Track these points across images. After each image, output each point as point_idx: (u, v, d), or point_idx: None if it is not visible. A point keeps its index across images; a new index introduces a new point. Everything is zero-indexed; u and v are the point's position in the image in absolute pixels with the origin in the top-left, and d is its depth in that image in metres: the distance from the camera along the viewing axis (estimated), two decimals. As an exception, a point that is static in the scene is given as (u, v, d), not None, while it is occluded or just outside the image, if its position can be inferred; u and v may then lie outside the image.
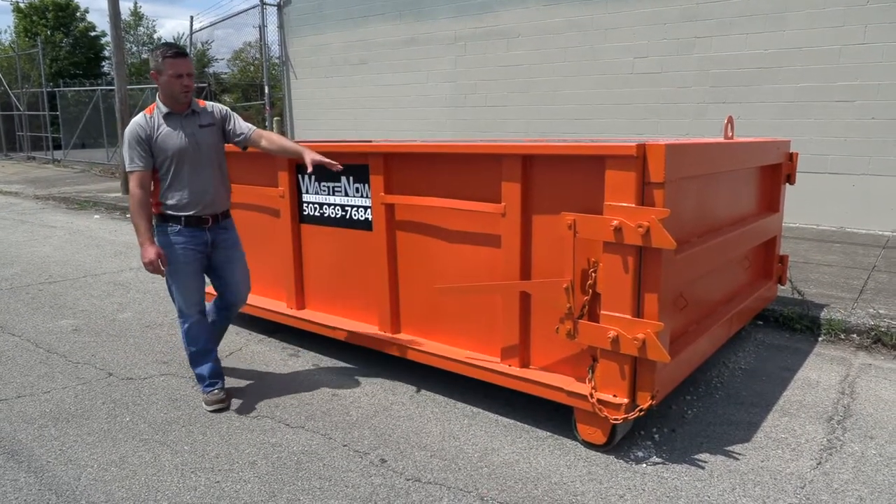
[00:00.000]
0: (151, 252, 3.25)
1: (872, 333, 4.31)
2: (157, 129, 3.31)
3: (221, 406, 3.48)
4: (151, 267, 3.26)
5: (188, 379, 3.89)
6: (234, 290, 3.71)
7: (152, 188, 3.37)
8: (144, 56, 34.09)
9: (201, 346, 3.57)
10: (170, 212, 3.40)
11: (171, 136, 3.32)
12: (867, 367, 4.00)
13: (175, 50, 3.29)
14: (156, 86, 3.36)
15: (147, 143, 3.28)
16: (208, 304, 3.73)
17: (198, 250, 3.45)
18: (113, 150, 17.03)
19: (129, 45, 35.40)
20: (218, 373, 3.59)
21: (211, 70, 30.85)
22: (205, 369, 3.56)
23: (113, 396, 3.67)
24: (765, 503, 2.60)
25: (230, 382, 3.84)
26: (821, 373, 3.91)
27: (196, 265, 3.49)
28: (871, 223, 7.58)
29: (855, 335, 4.38)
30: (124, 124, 12.38)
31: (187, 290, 3.49)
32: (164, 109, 3.33)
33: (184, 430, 3.27)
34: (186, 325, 3.55)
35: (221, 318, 3.83)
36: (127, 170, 3.31)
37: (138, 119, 3.32)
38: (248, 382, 3.86)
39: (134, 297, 5.73)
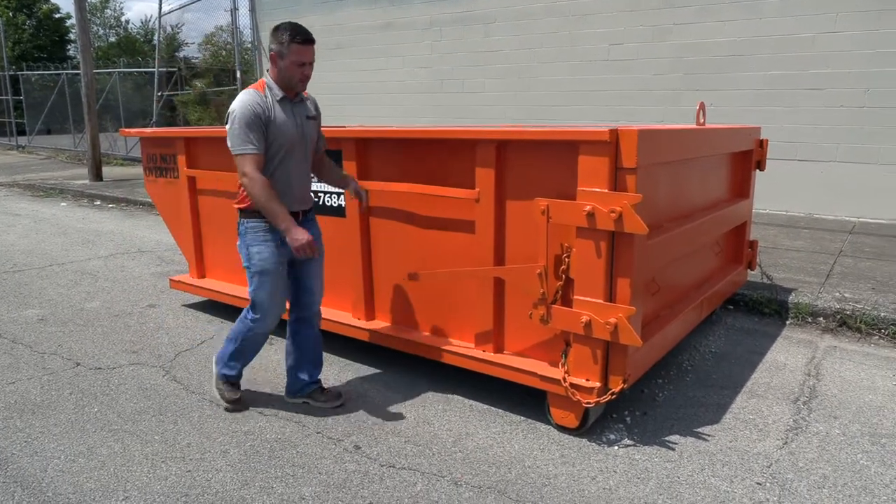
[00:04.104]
0: (303, 232, 2.88)
1: (838, 317, 4.41)
2: (274, 110, 2.95)
3: (239, 406, 3.31)
4: (309, 248, 2.87)
5: (158, 368, 3.85)
6: (310, 291, 3.27)
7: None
8: (112, 39, 33.30)
9: (250, 354, 3.29)
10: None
11: (287, 123, 2.98)
12: (832, 349, 4.11)
13: (304, 36, 2.91)
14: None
15: (265, 125, 2.91)
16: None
17: (287, 251, 3.03)
18: (80, 136, 16.65)
19: (95, 28, 34.52)
20: (241, 375, 3.38)
21: (181, 54, 30.23)
22: (237, 369, 3.31)
23: (81, 387, 3.61)
24: (732, 482, 2.66)
25: (202, 372, 3.80)
26: (788, 355, 4.00)
27: (286, 268, 3.13)
28: (839, 209, 7.75)
29: (821, 319, 4.48)
30: (91, 109, 12.14)
31: (276, 293, 3.09)
32: (279, 93, 2.97)
33: (154, 419, 3.23)
34: (256, 329, 3.14)
35: (305, 329, 3.32)
36: (239, 152, 2.88)
37: (253, 96, 2.91)
38: (220, 371, 3.82)
39: (102, 286, 5.63)
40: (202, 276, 4.89)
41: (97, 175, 12.30)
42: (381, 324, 3.77)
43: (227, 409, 3.29)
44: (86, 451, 2.93)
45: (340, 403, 3.34)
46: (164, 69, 18.08)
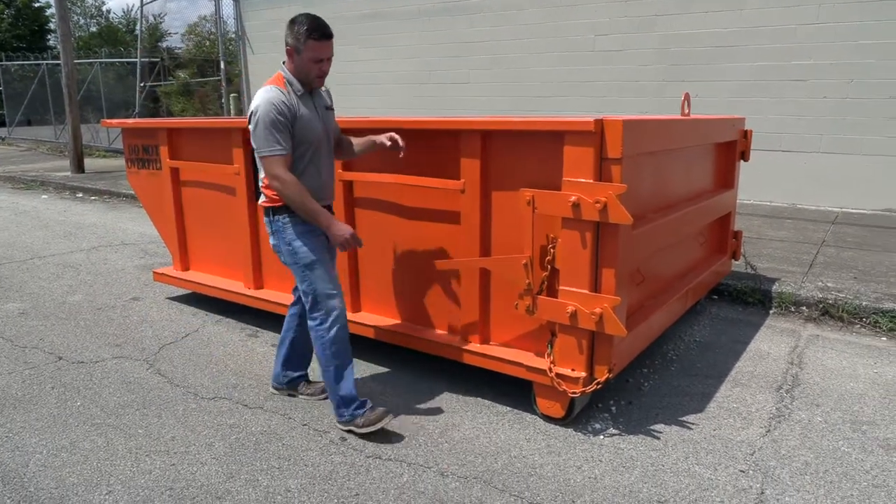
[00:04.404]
0: (346, 226, 2.85)
1: (820, 306, 4.46)
2: (299, 108, 2.83)
3: (389, 418, 2.97)
4: (353, 239, 2.84)
5: (142, 362, 3.81)
6: None
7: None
8: (93, 29, 32.80)
9: (347, 358, 2.96)
10: None
11: (312, 120, 2.89)
12: (815, 338, 4.15)
13: (322, 31, 2.80)
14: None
15: (291, 124, 2.80)
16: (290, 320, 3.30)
17: (325, 240, 2.97)
18: (61, 128, 16.42)
19: (75, 18, 33.99)
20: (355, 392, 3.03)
21: (164, 45, 29.86)
22: (352, 386, 2.97)
23: (63, 381, 3.57)
24: (716, 470, 2.69)
25: (186, 365, 3.78)
26: (771, 344, 4.04)
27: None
28: (822, 200, 7.83)
29: (804, 308, 4.53)
30: (72, 100, 11.96)
31: (332, 277, 2.96)
32: (300, 88, 2.86)
33: (138, 413, 3.20)
34: (333, 325, 2.90)
35: (305, 323, 3.21)
36: (267, 154, 2.76)
37: (278, 94, 2.78)
38: (205, 364, 3.80)
39: (84, 279, 5.57)
40: (186, 268, 4.85)
41: (79, 167, 12.14)
42: (366, 316, 3.75)
43: (384, 424, 2.92)
44: (68, 446, 2.91)
45: (326, 396, 3.33)
46: (147, 59, 17.84)
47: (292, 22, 2.83)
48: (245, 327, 4.38)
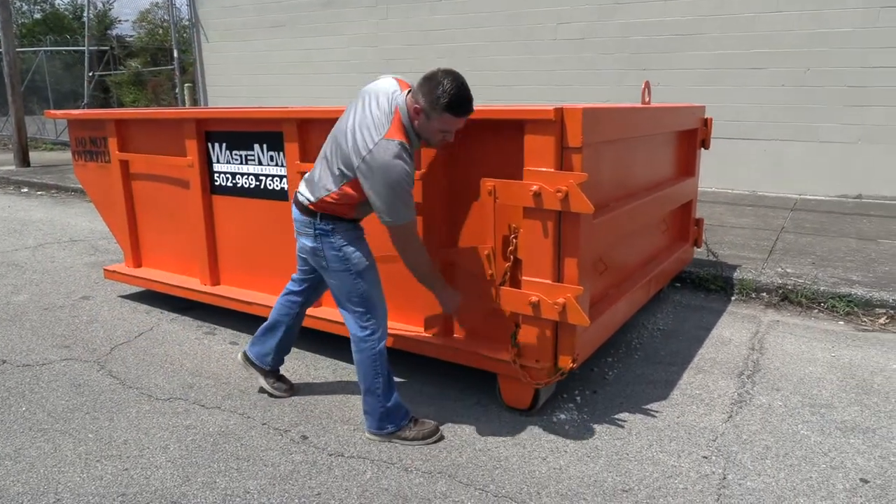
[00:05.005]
0: (456, 292, 2.92)
1: (780, 291, 4.57)
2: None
3: (440, 433, 2.91)
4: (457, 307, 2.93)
5: (92, 363, 3.70)
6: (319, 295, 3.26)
7: (343, 198, 2.69)
8: (37, 15, 31.64)
9: (389, 371, 2.88)
10: (355, 216, 2.81)
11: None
12: (775, 323, 4.26)
13: (465, 109, 2.56)
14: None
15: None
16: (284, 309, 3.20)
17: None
18: (4, 120, 15.80)
19: (18, 3, 32.66)
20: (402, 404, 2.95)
21: (114, 32, 28.98)
22: (399, 397, 2.91)
23: (7, 385, 3.44)
24: (680, 457, 2.73)
25: (140, 365, 3.68)
26: (733, 331, 4.13)
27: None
28: (781, 187, 8.02)
29: (764, 294, 4.64)
30: (14, 90, 11.52)
31: (382, 296, 2.87)
32: (417, 143, 2.66)
33: (88, 416, 3.10)
34: (381, 344, 2.83)
35: (303, 312, 3.27)
36: (403, 223, 2.60)
37: (403, 153, 2.51)
38: (160, 364, 3.70)
39: (31, 279, 5.37)
40: (139, 265, 4.72)
41: (24, 160, 11.72)
42: (328, 309, 3.70)
43: (437, 441, 2.87)
44: (12, 454, 2.80)
45: (290, 392, 3.30)
46: (96, 48, 17.31)
47: (430, 79, 2.51)
48: (201, 325, 4.29)
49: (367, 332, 2.81)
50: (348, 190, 2.67)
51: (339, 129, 2.72)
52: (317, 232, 2.77)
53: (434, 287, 2.88)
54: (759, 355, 3.75)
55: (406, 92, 2.63)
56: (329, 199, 2.71)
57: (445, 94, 2.48)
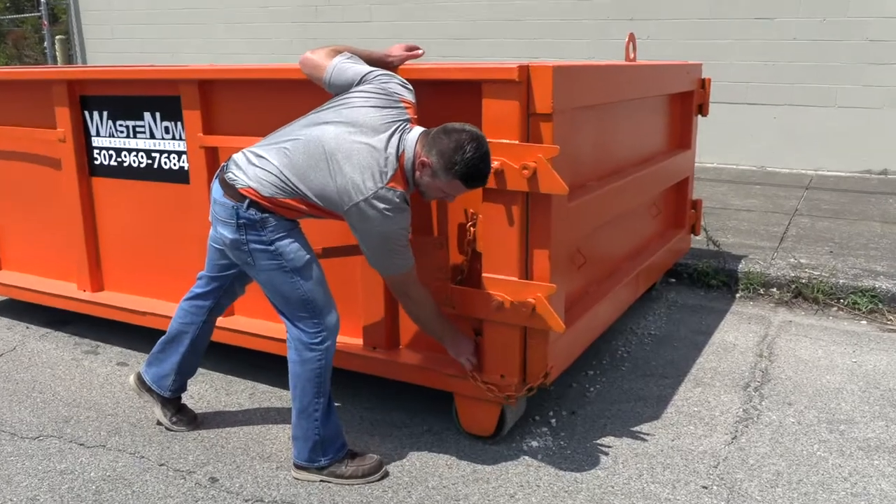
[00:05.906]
0: (469, 342, 2.99)
1: (793, 286, 4.72)
2: None
3: (385, 470, 2.93)
4: (475, 359, 2.99)
5: (-62, 394, 3.58)
6: (244, 287, 3.23)
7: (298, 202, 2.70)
8: None
9: (328, 384, 2.87)
10: (298, 218, 2.81)
11: None
12: (787, 324, 4.40)
13: (480, 183, 2.64)
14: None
15: None
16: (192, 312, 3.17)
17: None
18: None
19: None
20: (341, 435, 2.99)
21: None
22: (339, 424, 2.93)
23: None
24: (675, 488, 2.80)
25: (2, 394, 3.58)
26: (738, 334, 4.25)
27: None
28: (794, 161, 8.25)
29: (774, 289, 4.78)
30: None
31: (325, 281, 2.85)
32: (412, 189, 2.73)
33: (-68, 462, 3.01)
34: (333, 340, 2.83)
35: (215, 319, 3.25)
36: (404, 272, 2.72)
37: (402, 203, 2.61)
38: (25, 393, 3.61)
39: None
40: (-3, 268, 4.60)
41: None
42: (243, 319, 3.67)
43: (381, 479, 2.88)
44: None
45: (194, 424, 3.27)
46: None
47: (452, 137, 2.56)
48: (80, 342, 4.21)
49: (313, 340, 2.78)
50: (299, 205, 2.69)
51: (323, 129, 2.67)
52: (240, 221, 2.69)
53: (444, 338, 2.95)
54: (769, 363, 3.87)
55: (417, 132, 2.66)
56: (267, 202, 2.67)
57: (464, 164, 2.54)
